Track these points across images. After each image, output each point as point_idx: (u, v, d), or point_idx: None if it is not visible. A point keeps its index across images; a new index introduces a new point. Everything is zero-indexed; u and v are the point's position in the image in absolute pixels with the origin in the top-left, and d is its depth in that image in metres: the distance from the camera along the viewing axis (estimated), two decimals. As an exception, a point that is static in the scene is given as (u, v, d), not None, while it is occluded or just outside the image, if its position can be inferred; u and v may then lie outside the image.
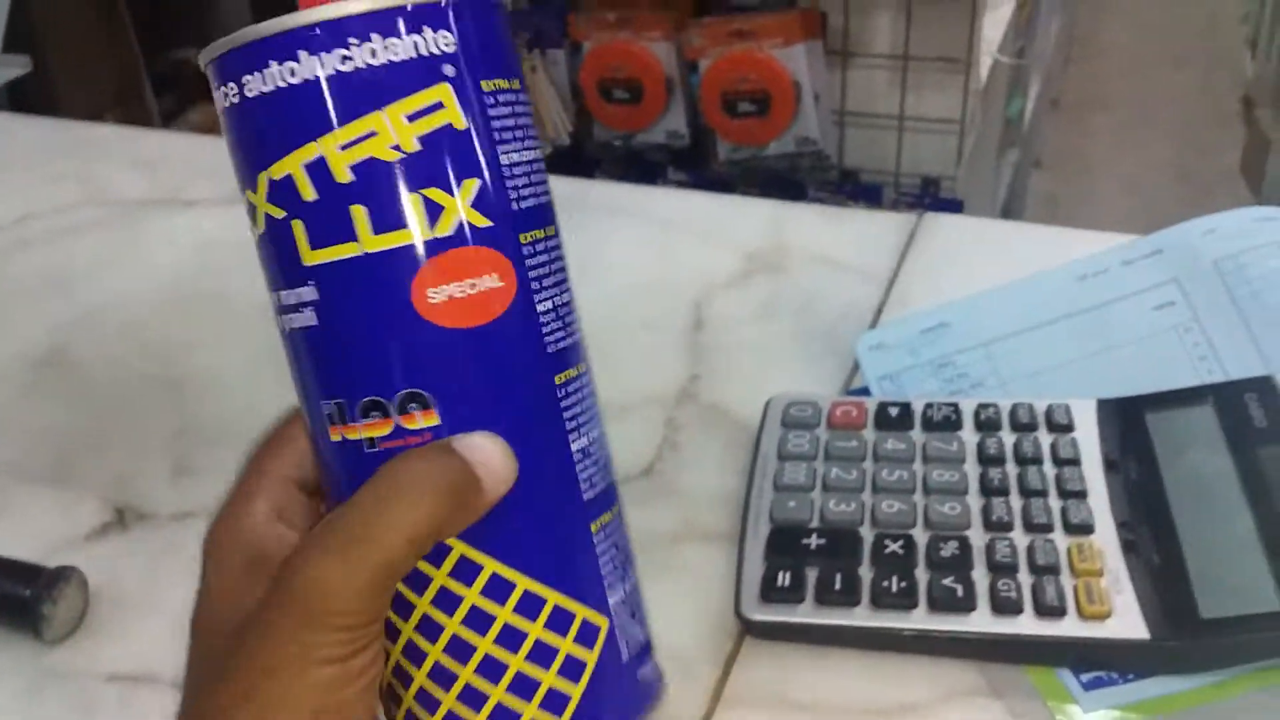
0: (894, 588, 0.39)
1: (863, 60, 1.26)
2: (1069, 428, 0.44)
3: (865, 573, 0.40)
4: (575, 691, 0.27)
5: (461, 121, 0.26)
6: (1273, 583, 0.36)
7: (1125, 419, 0.44)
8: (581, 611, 0.28)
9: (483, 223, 0.26)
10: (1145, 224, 0.53)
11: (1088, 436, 0.44)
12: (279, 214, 0.26)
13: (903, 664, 0.38)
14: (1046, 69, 2.02)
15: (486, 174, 0.26)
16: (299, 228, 0.26)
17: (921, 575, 0.39)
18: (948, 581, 0.39)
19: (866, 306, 0.57)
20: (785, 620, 0.39)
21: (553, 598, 0.27)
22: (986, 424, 0.45)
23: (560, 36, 1.34)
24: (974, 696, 0.37)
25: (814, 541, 0.41)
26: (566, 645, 0.27)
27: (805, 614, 0.39)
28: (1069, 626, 0.37)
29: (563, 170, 1.46)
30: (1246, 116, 2.26)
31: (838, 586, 0.39)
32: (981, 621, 0.38)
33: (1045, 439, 0.44)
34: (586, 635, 0.28)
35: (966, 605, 0.38)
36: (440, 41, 0.26)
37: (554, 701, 0.27)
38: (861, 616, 0.39)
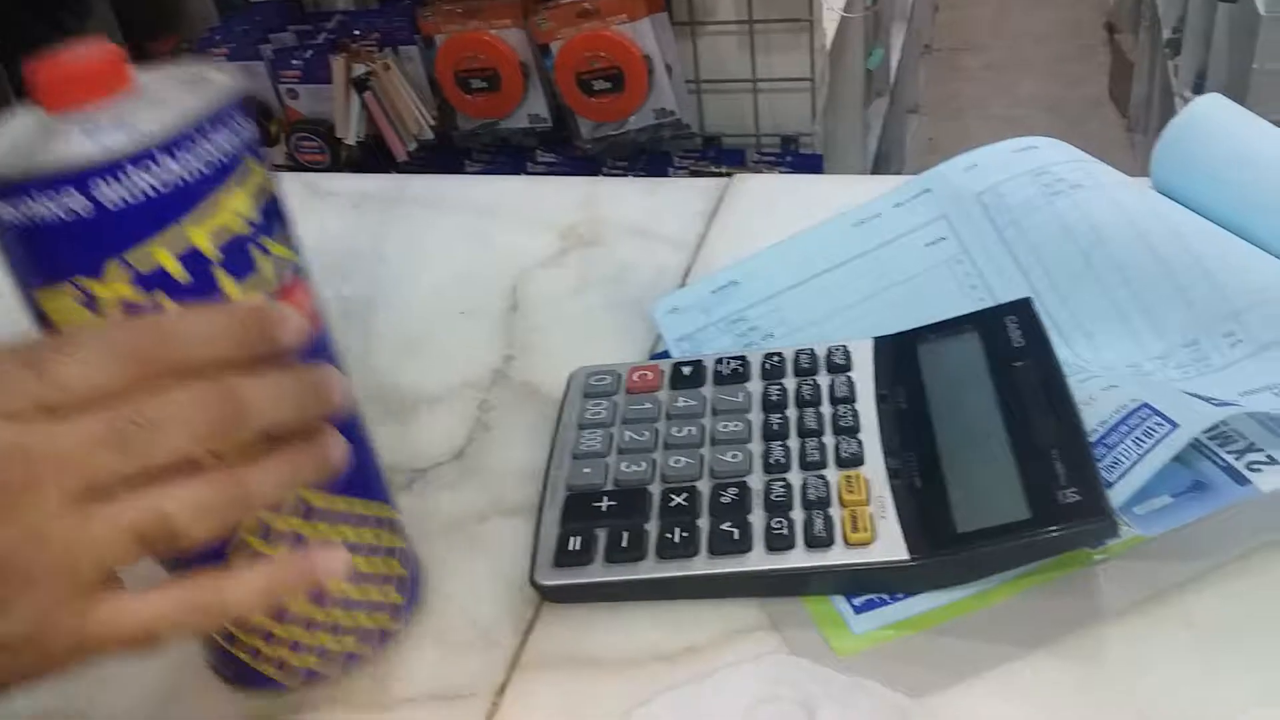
0: (676, 538, 0.41)
1: (711, 28, 1.28)
2: (846, 368, 0.47)
3: (651, 527, 0.41)
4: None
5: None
6: (1022, 493, 0.39)
7: (899, 354, 0.46)
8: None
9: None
10: None
11: (864, 374, 0.46)
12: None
13: (691, 609, 0.40)
14: (911, 18, 2.05)
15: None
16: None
17: (703, 523, 0.41)
18: (726, 526, 0.41)
19: (675, 273, 0.58)
20: (576, 582, 0.40)
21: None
22: (771, 373, 0.47)
23: (411, 33, 1.33)
24: (754, 632, 0.39)
25: (605, 504, 0.43)
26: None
27: (595, 573, 0.41)
28: (836, 555, 0.39)
29: (433, 164, 1.45)
30: (1110, 42, 2.33)
31: (625, 544, 0.41)
32: (758, 560, 0.40)
33: (824, 381, 0.46)
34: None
35: (743, 546, 0.40)
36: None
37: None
38: (647, 569, 0.40)
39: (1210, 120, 0.51)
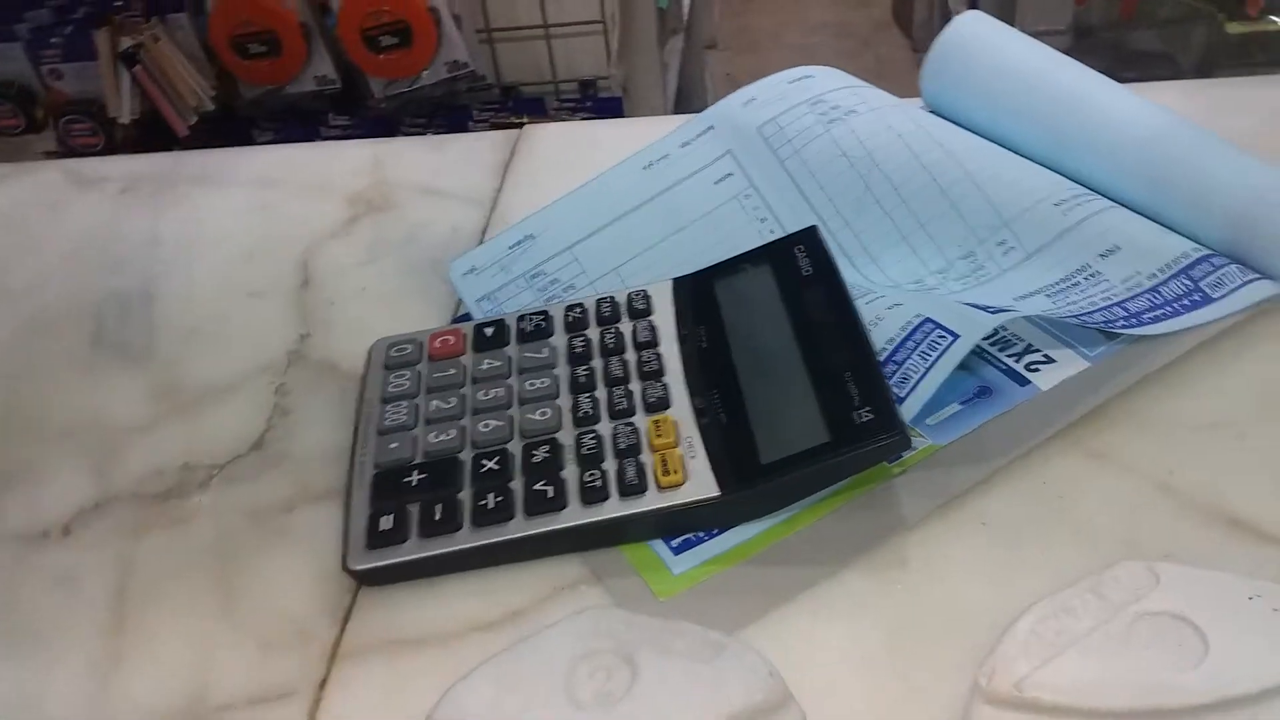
0: (491, 504, 0.40)
1: (496, -25, 1.25)
2: (647, 312, 0.47)
3: (465, 496, 0.41)
4: None
5: None
6: (821, 417, 0.40)
7: (697, 293, 0.47)
8: None
9: None
10: None
11: (664, 317, 0.46)
12: None
13: (513, 573, 0.40)
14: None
15: None
16: None
17: (517, 485, 0.41)
18: (540, 485, 0.40)
19: (471, 231, 0.57)
20: (391, 562, 0.39)
21: None
22: (574, 324, 0.47)
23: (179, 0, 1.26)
24: (577, 586, 0.39)
25: (415, 478, 0.42)
26: None
27: (410, 551, 0.40)
28: (650, 500, 0.40)
29: (219, 137, 1.38)
30: (891, -33, 2.39)
31: (438, 516, 0.40)
32: (574, 515, 0.40)
33: (627, 327, 0.46)
34: None
35: (558, 504, 0.40)
36: None
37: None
38: (464, 539, 0.40)
39: (971, 37, 0.53)
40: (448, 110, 1.30)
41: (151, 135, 1.30)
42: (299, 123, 1.33)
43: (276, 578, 0.41)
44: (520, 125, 1.32)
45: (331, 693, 0.37)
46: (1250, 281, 0.44)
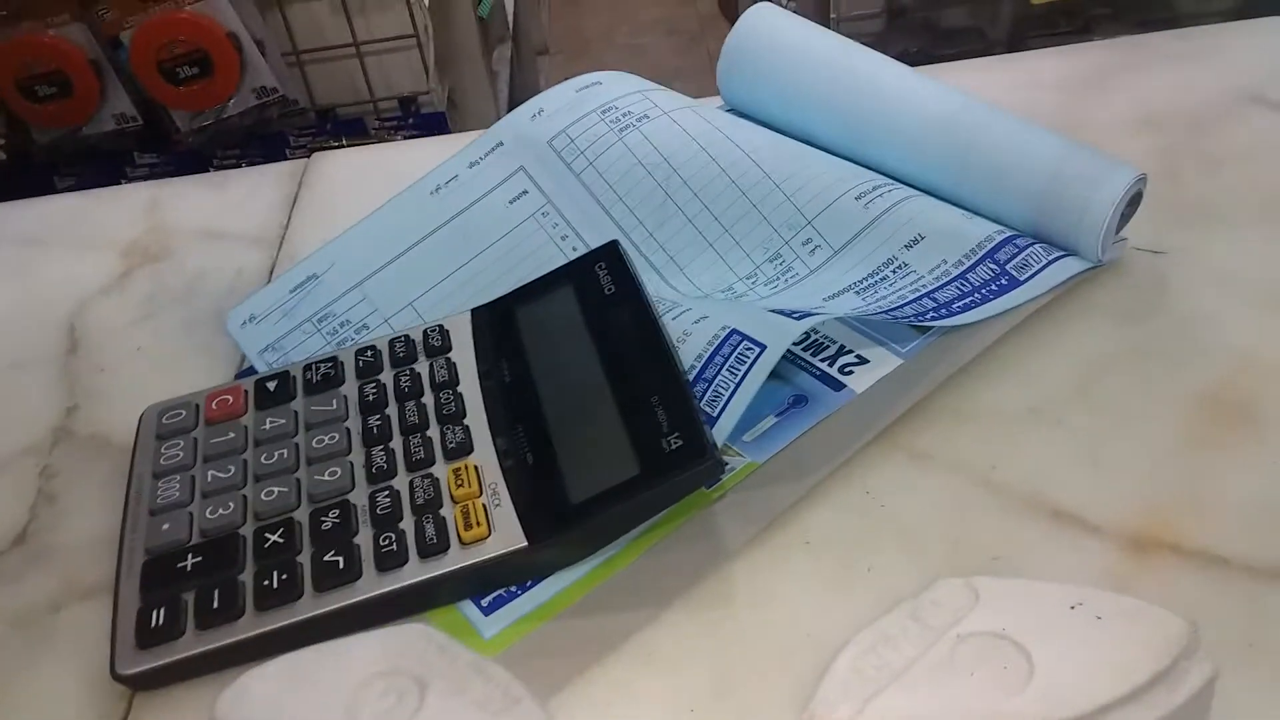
0: (275, 583, 0.36)
1: (297, -5, 1.19)
2: (445, 348, 0.43)
3: (246, 577, 0.37)
4: None
5: None
6: (630, 448, 0.37)
7: (497, 323, 0.44)
8: None
9: None
10: (651, 80, 0.51)
11: (464, 352, 0.43)
12: None
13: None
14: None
15: None
16: None
17: (304, 558, 0.37)
18: (329, 556, 0.37)
19: (257, 273, 0.53)
20: (165, 662, 0.35)
21: None
22: (366, 369, 0.43)
23: (-48, 43, 1.16)
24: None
25: (190, 562, 0.37)
26: None
27: (186, 647, 0.35)
28: (453, 559, 0.36)
29: (16, 188, 1.29)
30: (715, -40, 2.40)
31: (216, 604, 0.36)
32: (370, 585, 0.36)
33: (424, 367, 0.43)
34: None
35: (351, 574, 0.36)
36: None
37: None
38: (247, 627, 0.36)
39: (761, 29, 0.51)
40: (261, 139, 1.24)
41: (-64, 191, 1.20)
42: (102, 164, 1.25)
43: (42, 690, 0.37)
44: (341, 147, 1.27)
45: (102, 823, 0.33)
46: (1055, 260, 0.44)
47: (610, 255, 0.44)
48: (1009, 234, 0.44)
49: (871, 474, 0.39)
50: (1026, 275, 0.43)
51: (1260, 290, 0.44)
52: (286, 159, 1.23)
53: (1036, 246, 0.44)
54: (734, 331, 0.40)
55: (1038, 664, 0.28)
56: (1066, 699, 0.27)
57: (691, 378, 0.40)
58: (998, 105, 0.47)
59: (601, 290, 0.43)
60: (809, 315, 0.40)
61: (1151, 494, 0.37)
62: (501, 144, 0.48)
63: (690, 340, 0.41)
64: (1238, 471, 0.37)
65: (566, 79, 0.50)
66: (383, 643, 0.31)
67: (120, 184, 1.24)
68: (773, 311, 0.40)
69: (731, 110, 0.53)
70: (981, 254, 0.44)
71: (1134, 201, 0.44)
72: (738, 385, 0.39)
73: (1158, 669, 0.28)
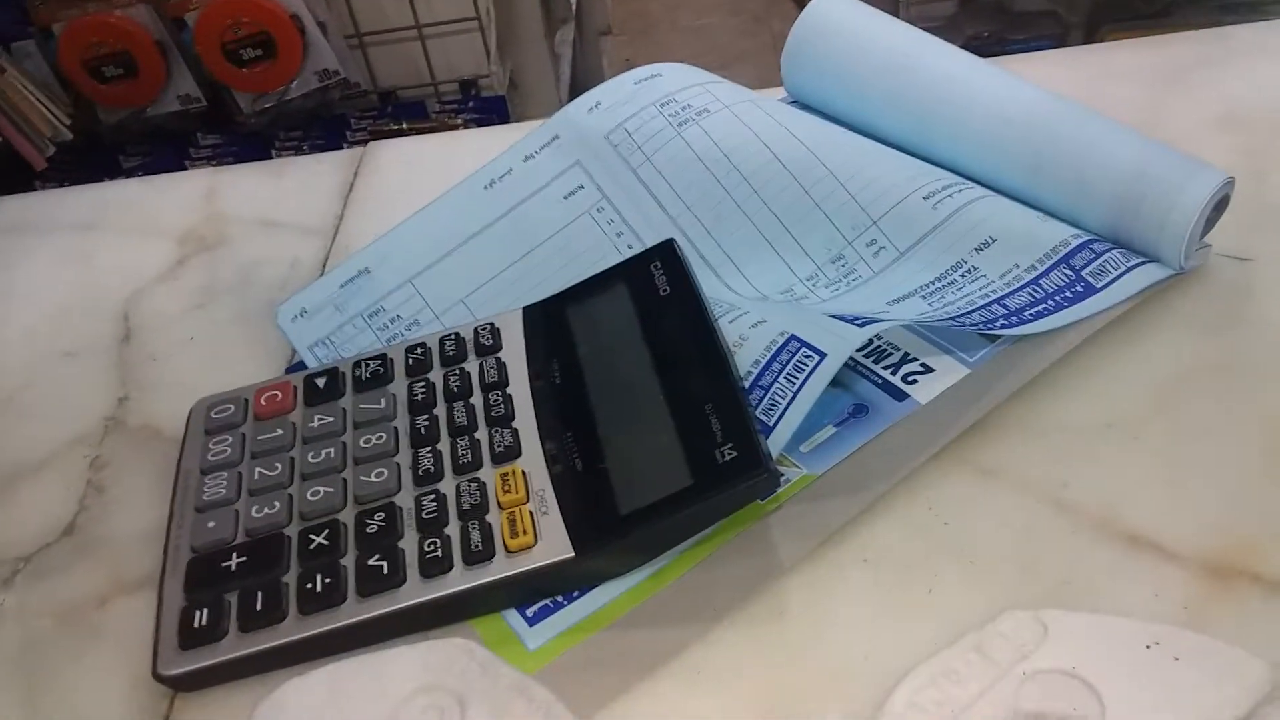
0: (318, 587, 0.35)
1: (360, -23, 1.19)
2: (496, 348, 0.42)
3: (290, 579, 0.36)
4: None
5: None
6: (683, 458, 0.36)
7: (549, 322, 0.43)
8: None
9: None
10: (715, 63, 0.50)
11: (515, 352, 0.42)
12: None
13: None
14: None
15: None
16: None
17: (348, 562, 0.36)
18: (373, 560, 0.36)
19: (311, 265, 0.52)
20: (206, 665, 0.35)
21: None
22: (416, 367, 0.42)
23: (24, 26, 1.18)
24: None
25: (235, 562, 0.37)
26: None
27: (228, 649, 0.35)
28: (498, 567, 0.35)
29: (83, 167, 1.30)
30: (782, -60, 2.36)
31: (259, 606, 0.35)
32: (413, 592, 0.35)
33: (473, 367, 0.42)
34: None
35: (395, 580, 0.35)
36: None
37: None
38: (290, 630, 0.35)
39: (829, 19, 0.50)
40: (323, 121, 1.24)
41: (8, 172, 1.22)
42: (167, 145, 1.26)
43: (86, 683, 0.37)
44: (402, 131, 1.26)
45: (141, 825, 0.32)
46: (1135, 266, 0.41)
47: (666, 254, 0.42)
48: (1086, 238, 0.42)
49: (935, 490, 0.37)
50: (1104, 282, 0.41)
51: (1356, 302, 0.41)
52: (347, 141, 1.24)
53: (1115, 252, 0.42)
54: (793, 337, 0.38)
55: (1109, 706, 0.26)
56: (1139, 743, 0.26)
57: (748, 385, 0.38)
58: (1074, 100, 0.45)
59: (656, 291, 0.41)
60: (872, 321, 0.38)
61: (1233, 519, 0.35)
62: (557, 137, 0.47)
63: (747, 345, 0.39)
64: (1328, 498, 0.35)
65: (628, 61, 0.49)
66: (424, 657, 0.31)
67: (184, 164, 1.25)
68: (833, 317, 0.39)
69: (795, 102, 0.51)
70: (1056, 259, 0.41)
71: (1220, 206, 0.41)
72: (796, 393, 0.37)
73: (1237, 716, 0.26)
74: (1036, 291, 0.41)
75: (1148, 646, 0.28)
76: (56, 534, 0.42)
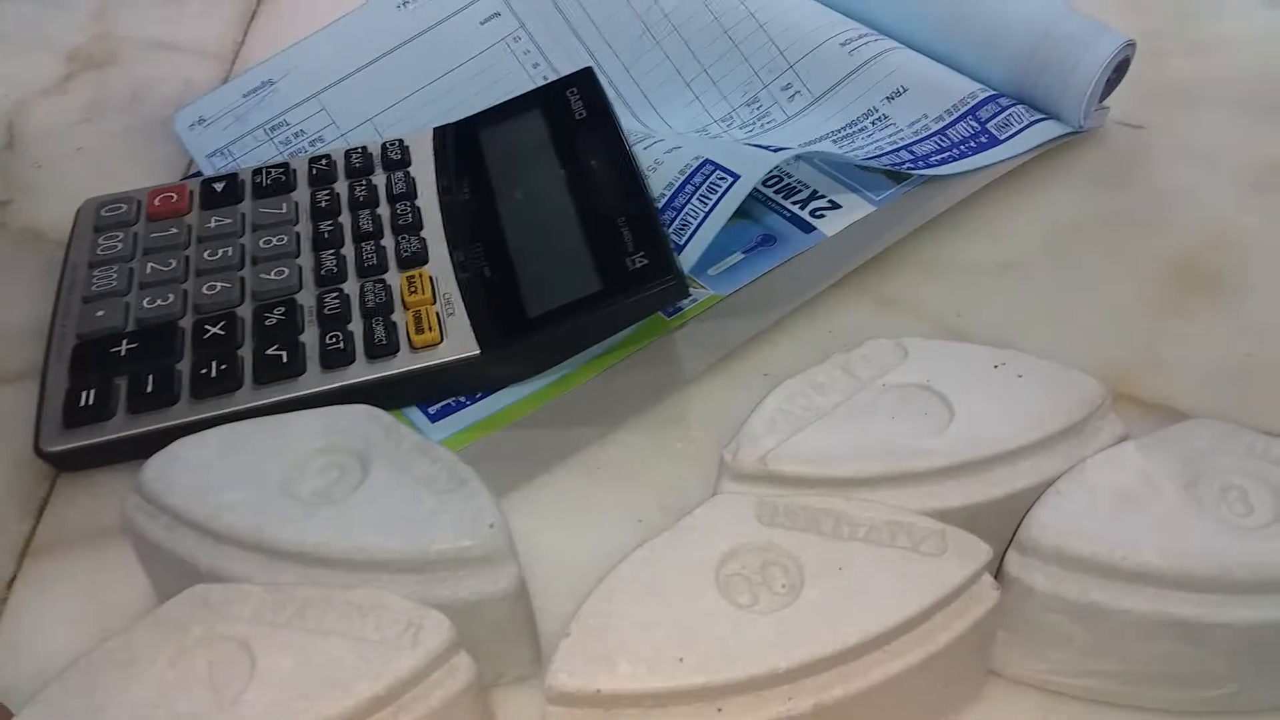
0: (214, 372, 0.35)
1: None
2: (405, 163, 0.41)
3: (184, 366, 0.35)
4: None
5: None
6: (592, 267, 0.36)
7: (460, 142, 0.42)
8: None
9: None
10: None
11: (424, 168, 0.41)
12: None
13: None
14: None
15: None
16: None
17: (246, 352, 0.35)
18: (273, 350, 0.35)
19: (207, 86, 0.50)
20: (93, 442, 0.34)
21: None
22: (320, 178, 0.41)
23: None
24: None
25: (125, 348, 0.36)
26: None
27: (116, 428, 0.34)
28: (401, 361, 0.35)
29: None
30: None
31: (150, 388, 0.34)
32: (313, 381, 0.35)
33: (380, 180, 0.41)
34: None
35: (294, 369, 0.35)
36: None
37: None
38: (181, 413, 0.34)
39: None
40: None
41: None
42: None
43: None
44: None
45: (20, 590, 0.31)
46: (1037, 121, 0.43)
47: (584, 81, 0.42)
48: (992, 93, 0.43)
49: (835, 316, 0.38)
50: (1006, 134, 0.42)
51: (1236, 169, 0.43)
52: None
53: (1019, 107, 0.43)
54: (707, 161, 0.39)
55: (957, 411, 0.28)
56: (981, 442, 0.27)
57: (661, 205, 0.39)
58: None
59: (572, 115, 0.41)
60: (784, 149, 0.39)
61: (1115, 350, 0.37)
62: (478, -39, 0.46)
63: (662, 169, 0.40)
64: (1200, 335, 0.37)
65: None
66: (325, 419, 0.30)
67: None
68: (748, 144, 0.39)
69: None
70: (963, 110, 0.43)
71: (1120, 69, 0.43)
72: (707, 214, 0.37)
73: (1070, 423, 0.28)
74: (942, 140, 0.42)
75: (995, 366, 0.30)
76: (-72, 332, 0.40)
